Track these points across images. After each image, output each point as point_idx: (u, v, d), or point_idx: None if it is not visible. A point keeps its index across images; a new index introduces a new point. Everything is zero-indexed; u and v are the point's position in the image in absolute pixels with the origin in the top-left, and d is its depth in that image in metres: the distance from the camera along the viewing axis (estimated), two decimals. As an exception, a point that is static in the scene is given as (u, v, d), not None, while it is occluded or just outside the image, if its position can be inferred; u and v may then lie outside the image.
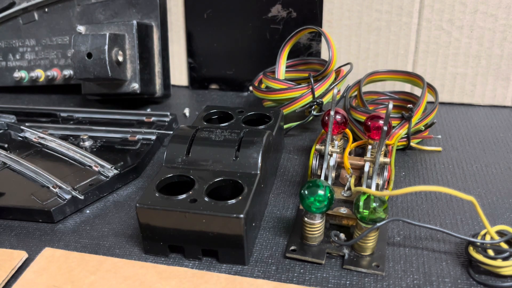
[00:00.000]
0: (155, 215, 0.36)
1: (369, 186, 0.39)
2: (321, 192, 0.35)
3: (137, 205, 0.36)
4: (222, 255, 0.37)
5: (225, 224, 0.35)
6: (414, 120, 0.48)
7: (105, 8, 0.60)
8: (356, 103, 0.54)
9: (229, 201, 0.36)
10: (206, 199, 0.36)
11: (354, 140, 0.47)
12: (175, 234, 0.36)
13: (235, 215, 0.34)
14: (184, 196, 0.36)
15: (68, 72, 0.66)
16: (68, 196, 0.43)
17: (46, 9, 0.65)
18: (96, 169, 0.46)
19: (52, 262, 0.37)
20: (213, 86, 0.70)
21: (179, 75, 0.70)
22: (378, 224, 0.34)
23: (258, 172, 0.39)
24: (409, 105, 0.53)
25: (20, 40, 0.67)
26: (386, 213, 0.34)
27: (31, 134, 0.53)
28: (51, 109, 0.60)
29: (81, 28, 0.59)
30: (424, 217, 0.41)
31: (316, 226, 0.36)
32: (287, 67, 0.59)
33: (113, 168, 0.46)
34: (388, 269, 0.35)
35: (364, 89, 0.55)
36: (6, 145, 0.52)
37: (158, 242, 0.37)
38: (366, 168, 0.40)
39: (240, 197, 0.36)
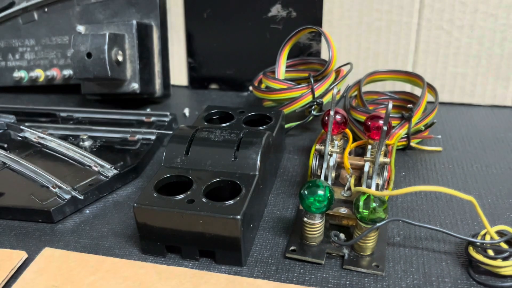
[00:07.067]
0: (153, 215, 0.36)
1: (369, 186, 0.39)
2: (321, 192, 0.34)
3: (135, 205, 0.36)
4: (219, 256, 0.36)
5: (222, 225, 0.35)
6: (414, 120, 0.48)
7: (104, 8, 0.60)
8: (356, 103, 0.54)
9: (226, 202, 0.35)
10: (203, 199, 0.36)
11: (354, 140, 0.47)
12: (172, 234, 0.36)
13: (231, 216, 0.34)
14: (181, 196, 0.36)
15: (67, 72, 0.66)
16: (67, 196, 0.43)
17: (46, 9, 0.65)
18: (96, 169, 0.46)
19: (52, 262, 0.37)
20: (213, 86, 0.70)
21: (179, 75, 0.70)
22: (378, 224, 0.34)
23: (257, 173, 0.39)
24: (409, 105, 0.53)
25: (19, 40, 0.67)
26: (386, 213, 0.34)
27: (30, 134, 0.53)
28: (50, 109, 0.60)
29: (80, 28, 0.59)
30: (424, 217, 0.41)
31: (316, 226, 0.36)
32: (287, 67, 0.59)
33: (112, 168, 0.46)
34: (388, 269, 0.35)
35: (364, 89, 0.55)
36: (5, 145, 0.52)
37: (156, 242, 0.37)
38: (366, 168, 0.39)
39: (237, 198, 0.36)
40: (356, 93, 0.54)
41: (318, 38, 0.63)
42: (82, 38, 0.56)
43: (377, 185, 0.39)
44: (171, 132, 0.53)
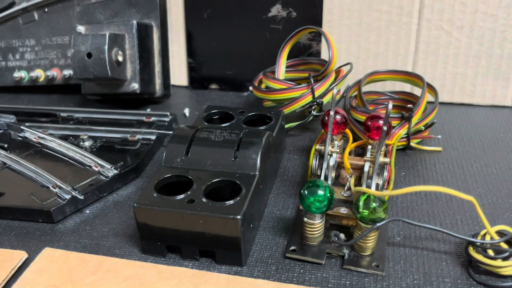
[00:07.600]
0: (153, 215, 0.36)
1: (369, 186, 0.39)
2: (321, 192, 0.34)
3: (135, 205, 0.36)
4: (219, 256, 0.36)
5: (222, 225, 0.35)
6: (414, 120, 0.48)
7: (105, 8, 0.60)
8: (356, 103, 0.54)
9: (226, 202, 0.35)
10: (203, 199, 0.36)
11: (354, 140, 0.47)
12: (173, 234, 0.36)
13: (231, 216, 0.34)
14: (182, 196, 0.36)
15: (68, 72, 0.66)
16: (68, 196, 0.43)
17: (46, 9, 0.65)
18: (96, 169, 0.46)
19: (52, 262, 0.37)
20: (213, 86, 0.70)
21: (179, 75, 0.70)
22: (378, 224, 0.34)
23: (257, 173, 0.39)
24: (409, 105, 0.53)
25: (20, 40, 0.67)
26: (386, 213, 0.34)
27: (31, 134, 0.53)
28: (51, 109, 0.60)
29: (81, 28, 0.59)
30: (424, 217, 0.41)
31: (316, 226, 0.36)
32: (287, 67, 0.59)
33: (113, 168, 0.46)
34: (388, 269, 0.35)
35: (364, 89, 0.55)
36: (6, 145, 0.52)
37: (156, 242, 0.37)
38: (366, 168, 0.40)
39: (238, 198, 0.36)
40: (356, 93, 0.54)
41: (318, 38, 0.63)
42: (82, 38, 0.56)
43: (377, 185, 0.40)
44: (171, 132, 0.53)
